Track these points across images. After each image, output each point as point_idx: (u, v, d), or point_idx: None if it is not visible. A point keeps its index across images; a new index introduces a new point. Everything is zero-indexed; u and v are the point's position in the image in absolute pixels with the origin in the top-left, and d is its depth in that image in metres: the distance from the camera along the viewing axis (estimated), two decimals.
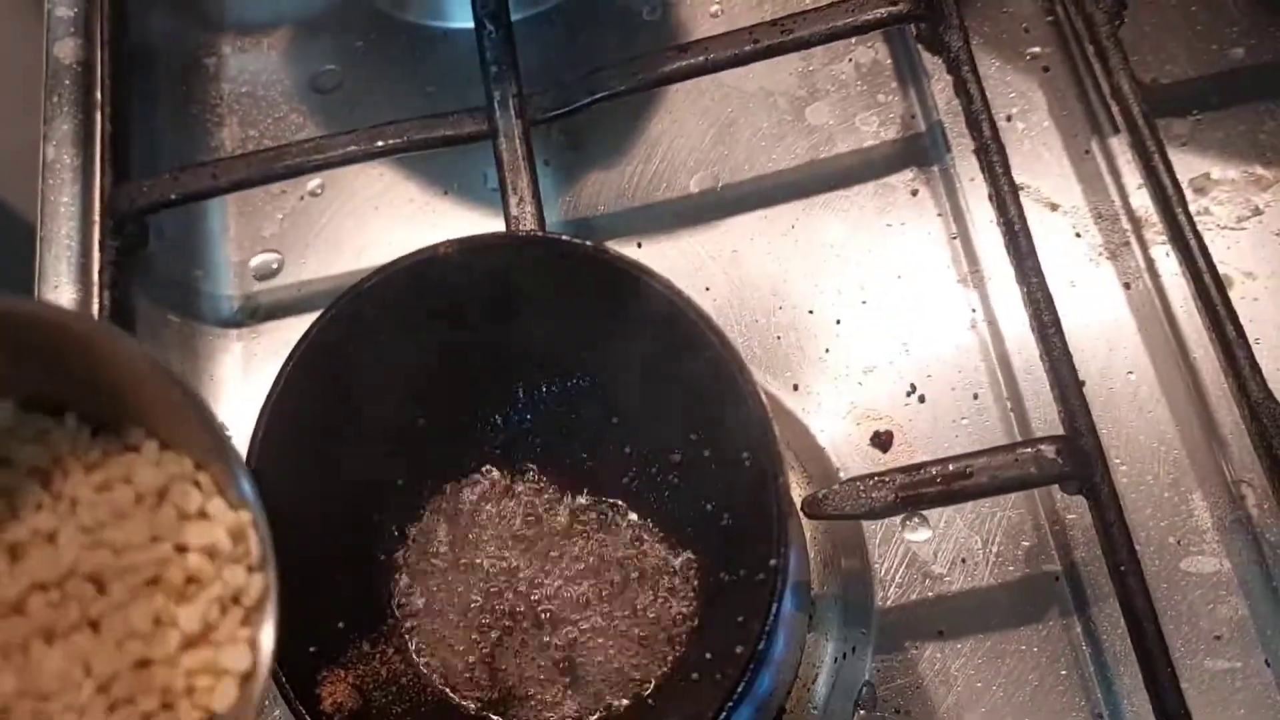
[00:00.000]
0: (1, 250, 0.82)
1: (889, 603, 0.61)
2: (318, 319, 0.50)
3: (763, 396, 0.45)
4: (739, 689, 0.44)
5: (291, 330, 0.72)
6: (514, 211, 0.61)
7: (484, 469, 0.57)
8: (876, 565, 0.61)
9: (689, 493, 0.55)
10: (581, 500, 0.56)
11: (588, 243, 0.47)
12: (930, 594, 0.61)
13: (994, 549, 0.61)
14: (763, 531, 0.45)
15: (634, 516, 0.55)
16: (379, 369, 0.51)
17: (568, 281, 0.49)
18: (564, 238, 0.47)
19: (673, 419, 0.54)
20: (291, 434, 0.50)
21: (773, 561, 0.43)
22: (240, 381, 0.71)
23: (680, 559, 0.54)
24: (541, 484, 0.57)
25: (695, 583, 0.54)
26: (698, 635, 0.53)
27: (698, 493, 0.55)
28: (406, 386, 0.53)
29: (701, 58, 0.63)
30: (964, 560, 0.61)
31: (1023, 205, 0.60)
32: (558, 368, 0.55)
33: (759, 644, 0.42)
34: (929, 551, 0.61)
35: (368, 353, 0.51)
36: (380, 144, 0.64)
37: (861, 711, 0.59)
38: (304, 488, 0.51)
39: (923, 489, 0.52)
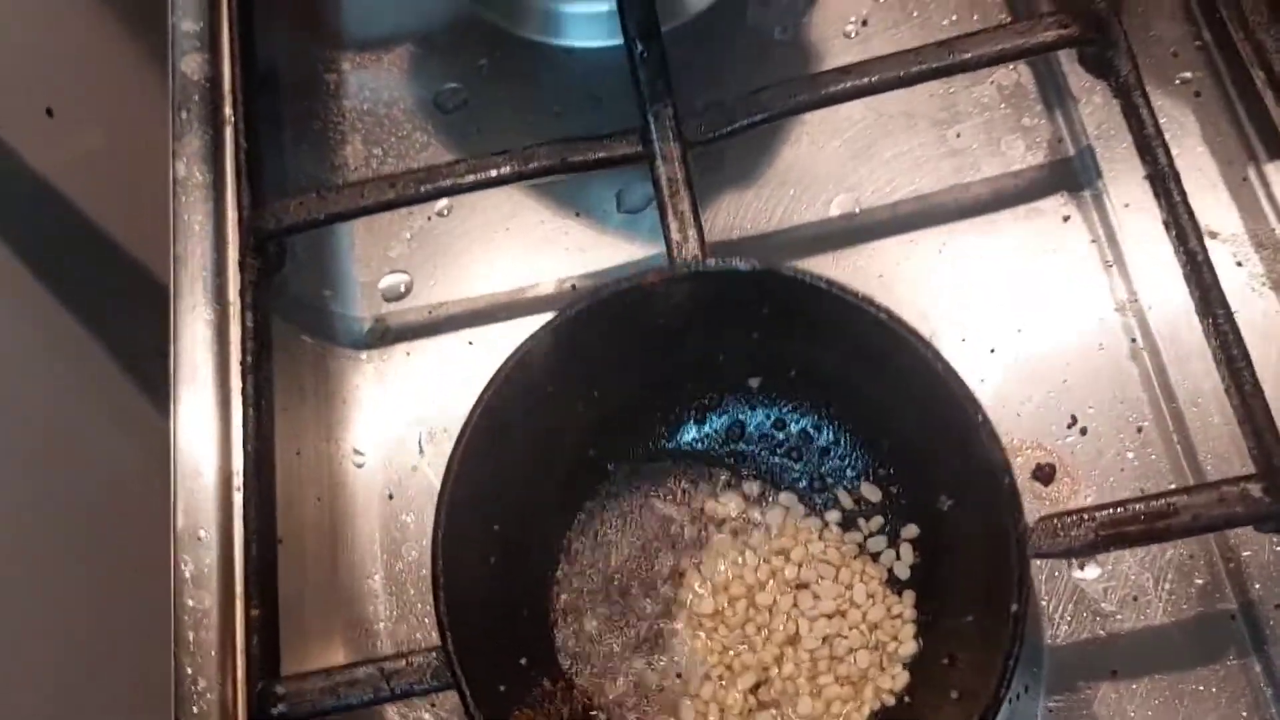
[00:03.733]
0: (127, 267, 0.81)
1: (1059, 641, 0.59)
2: (518, 348, 0.48)
3: (1001, 444, 0.44)
4: None
5: (423, 352, 0.71)
6: (675, 236, 0.59)
7: (665, 495, 0.56)
8: (1044, 602, 0.60)
9: (890, 534, 0.54)
10: (775, 532, 0.55)
11: (807, 275, 0.46)
12: (1101, 632, 0.59)
13: (1166, 587, 0.60)
14: (985, 575, 0.44)
15: (821, 548, 0.54)
16: (565, 388, 0.50)
17: (780, 311, 0.48)
18: (784, 269, 0.46)
19: (887, 459, 0.52)
20: (480, 463, 0.49)
21: (1014, 607, 0.42)
22: (374, 404, 0.70)
23: (875, 597, 0.53)
24: (728, 513, 0.56)
25: (896, 622, 0.52)
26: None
27: (898, 532, 0.54)
28: (593, 397, 0.52)
29: (865, 79, 0.62)
30: (1135, 598, 0.60)
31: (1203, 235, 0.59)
32: (758, 398, 0.54)
33: (999, 691, 0.41)
34: (1098, 589, 0.60)
35: (556, 375, 0.49)
36: (535, 165, 0.63)
37: None
38: (490, 514, 0.50)
39: (1125, 527, 0.51)
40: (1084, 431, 0.63)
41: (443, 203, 0.74)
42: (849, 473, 0.55)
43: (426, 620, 0.63)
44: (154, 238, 0.73)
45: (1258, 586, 0.59)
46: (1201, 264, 0.57)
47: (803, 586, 0.53)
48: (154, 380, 0.71)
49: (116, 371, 0.81)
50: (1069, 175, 0.69)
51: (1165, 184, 0.59)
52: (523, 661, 0.51)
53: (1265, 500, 0.51)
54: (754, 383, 0.55)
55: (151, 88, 0.75)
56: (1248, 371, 0.55)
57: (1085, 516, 0.51)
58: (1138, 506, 0.52)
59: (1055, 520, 0.52)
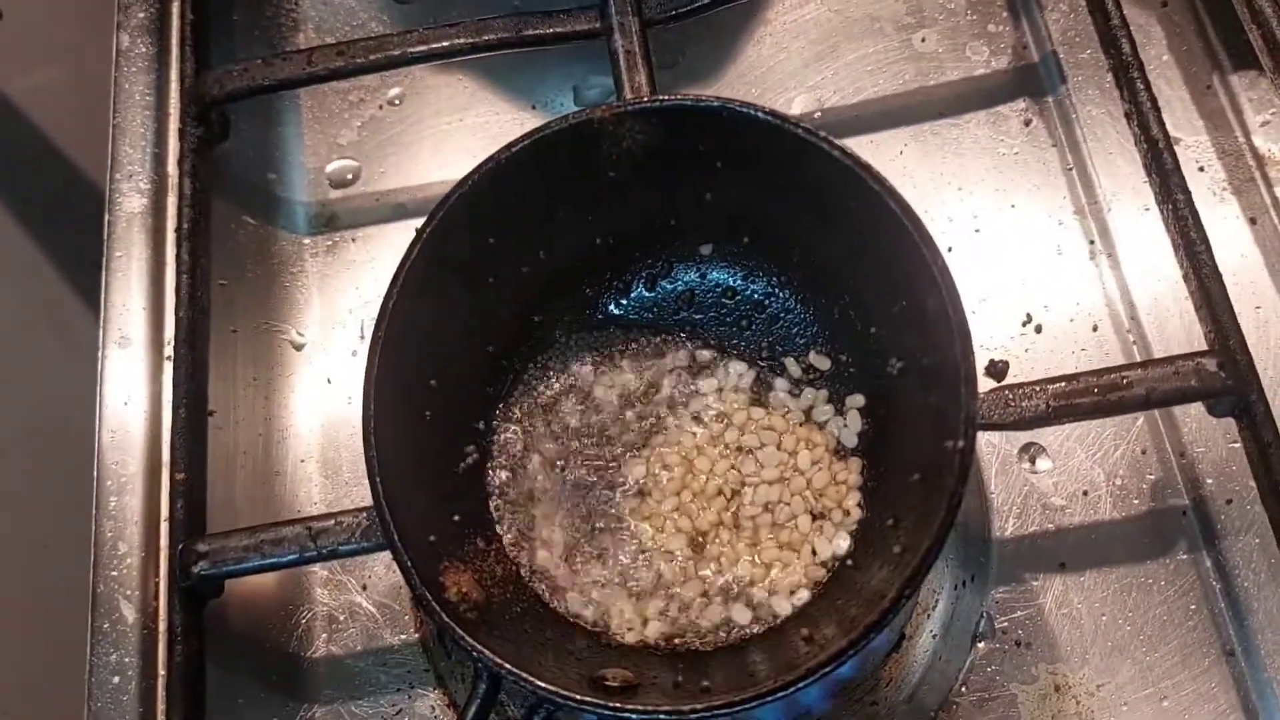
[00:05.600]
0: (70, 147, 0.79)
1: (1008, 533, 0.58)
2: (458, 185, 0.47)
3: (956, 290, 0.42)
4: (906, 591, 0.41)
5: (369, 240, 0.69)
6: None
7: (609, 361, 0.54)
8: (994, 495, 0.59)
9: (837, 403, 0.53)
10: (718, 398, 0.53)
11: (765, 110, 0.44)
12: (1051, 526, 0.58)
13: (1117, 481, 0.59)
14: (932, 431, 0.43)
15: (765, 414, 0.52)
16: (510, 240, 0.48)
17: (736, 161, 0.46)
18: (741, 105, 0.44)
19: (839, 325, 0.51)
20: (419, 308, 0.47)
21: (960, 443, 0.40)
22: (317, 288, 0.68)
23: (820, 463, 0.51)
24: (673, 380, 0.54)
25: (841, 488, 0.51)
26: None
27: (844, 401, 0.52)
28: (538, 257, 0.50)
29: None
30: (1086, 493, 0.59)
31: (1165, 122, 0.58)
32: (710, 265, 0.53)
33: (944, 529, 0.40)
34: (1049, 483, 0.59)
35: (502, 223, 0.48)
36: (488, 37, 0.61)
37: (980, 644, 0.56)
38: (426, 366, 0.48)
39: (1076, 399, 0.50)
40: (1039, 330, 0.62)
41: (395, 91, 0.72)
42: (799, 341, 0.54)
43: (362, 503, 0.61)
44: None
45: (1210, 482, 0.58)
46: (1163, 150, 0.56)
47: (745, 451, 0.52)
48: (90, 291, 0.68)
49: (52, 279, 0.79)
50: (1033, 81, 0.68)
51: (1129, 74, 0.58)
52: (456, 519, 0.49)
53: (1220, 375, 0.50)
54: (706, 249, 0.54)
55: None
56: (1206, 255, 0.54)
57: (1038, 388, 0.50)
58: (1091, 379, 0.50)
59: (1007, 391, 0.51)
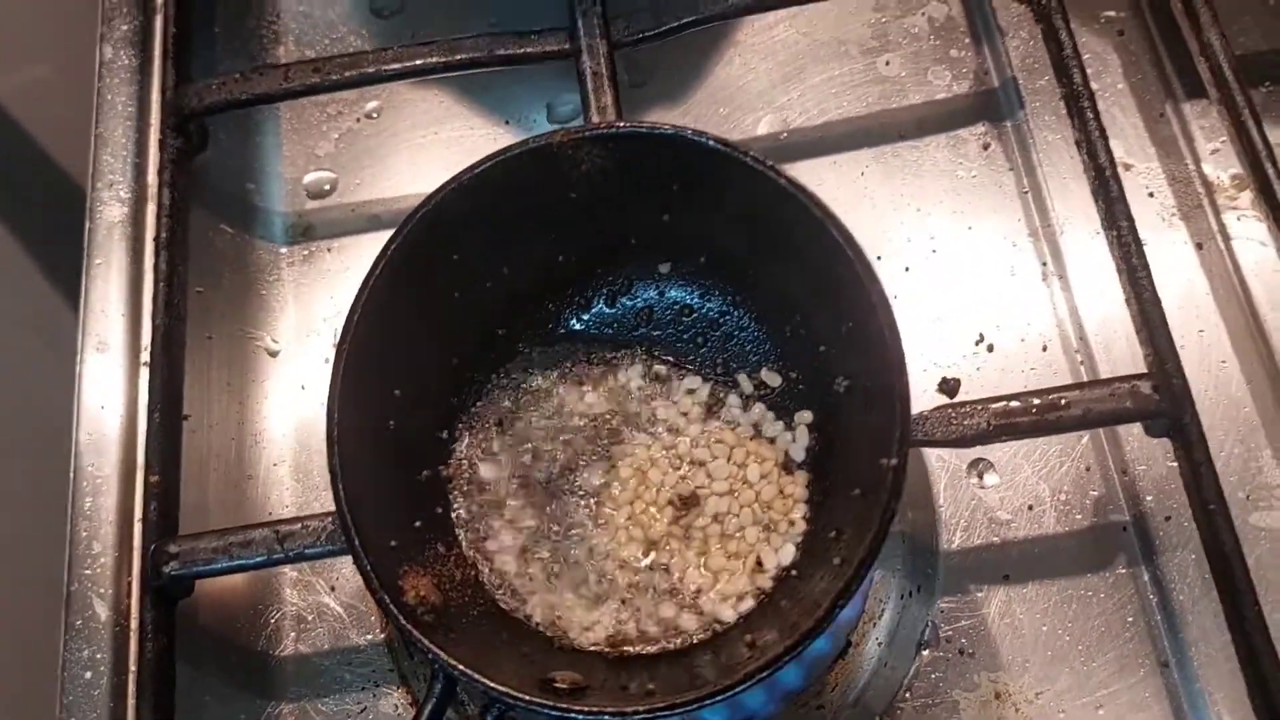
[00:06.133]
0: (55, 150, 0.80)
1: (954, 545, 0.60)
2: (421, 204, 0.48)
3: (894, 318, 0.44)
4: (840, 602, 0.43)
5: (344, 250, 0.71)
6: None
7: (569, 374, 0.56)
8: (942, 509, 0.61)
9: (787, 419, 0.55)
10: (673, 413, 0.55)
11: (714, 138, 0.46)
12: (996, 539, 0.60)
13: (1061, 497, 0.61)
14: (873, 448, 0.45)
15: (717, 428, 0.54)
16: (474, 257, 0.50)
17: (690, 185, 0.48)
18: (693, 134, 0.46)
19: (789, 344, 0.53)
20: (383, 321, 0.49)
21: (893, 461, 0.42)
22: (292, 296, 0.70)
23: (769, 477, 0.53)
24: (629, 394, 0.56)
25: (788, 501, 0.53)
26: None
27: (794, 416, 0.54)
28: (502, 273, 0.52)
29: None
30: (1031, 507, 0.61)
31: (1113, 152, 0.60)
32: (668, 283, 0.55)
33: (877, 541, 0.41)
34: (995, 498, 0.61)
35: (465, 240, 0.49)
36: (460, 56, 0.63)
37: (925, 651, 0.58)
38: (391, 376, 0.50)
39: (1017, 418, 0.52)
40: (990, 349, 0.64)
41: (372, 105, 0.74)
42: (751, 358, 0.56)
43: (332, 507, 0.63)
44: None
45: (1150, 499, 0.60)
46: (1109, 178, 0.58)
47: (696, 464, 0.54)
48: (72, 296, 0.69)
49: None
50: (992, 106, 0.70)
51: (1079, 103, 0.60)
52: (417, 524, 0.51)
53: (1154, 398, 0.52)
54: (664, 267, 0.56)
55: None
56: (1147, 280, 0.56)
57: (980, 407, 0.52)
58: (1031, 399, 0.52)
59: (950, 410, 0.53)
